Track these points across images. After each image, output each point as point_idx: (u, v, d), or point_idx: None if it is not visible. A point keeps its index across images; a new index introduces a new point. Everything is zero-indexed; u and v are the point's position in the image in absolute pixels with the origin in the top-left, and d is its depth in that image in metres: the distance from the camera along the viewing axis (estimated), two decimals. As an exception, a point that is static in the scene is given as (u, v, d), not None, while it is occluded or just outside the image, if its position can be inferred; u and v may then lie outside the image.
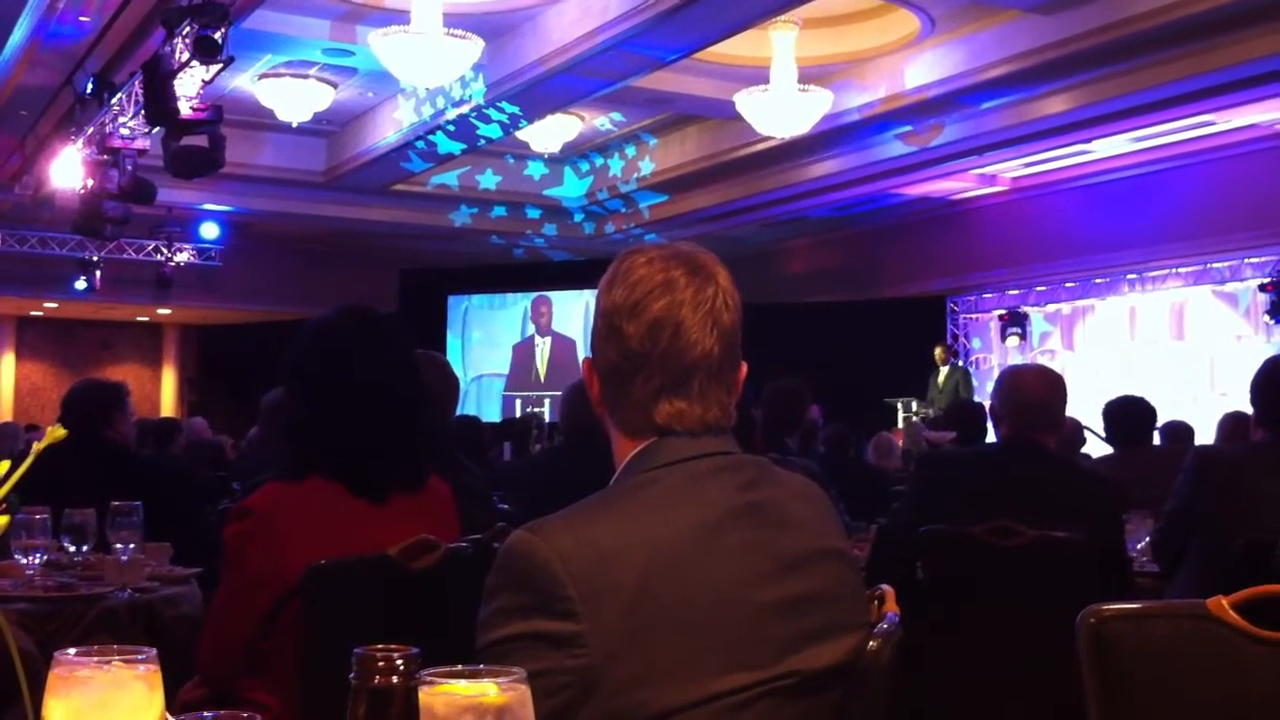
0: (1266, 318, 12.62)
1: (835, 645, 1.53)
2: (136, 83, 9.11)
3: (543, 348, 17.45)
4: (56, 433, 1.16)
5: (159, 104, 8.36)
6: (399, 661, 0.99)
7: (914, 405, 13.16)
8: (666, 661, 1.42)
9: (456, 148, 12.69)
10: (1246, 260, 12.92)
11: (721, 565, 1.48)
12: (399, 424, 2.48)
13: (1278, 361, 3.84)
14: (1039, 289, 14.95)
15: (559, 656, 1.40)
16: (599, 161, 14.98)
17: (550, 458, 5.41)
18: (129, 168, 9.91)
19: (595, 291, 1.64)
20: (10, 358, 19.77)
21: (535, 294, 17.58)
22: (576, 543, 1.44)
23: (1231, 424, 6.42)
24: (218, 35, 7.62)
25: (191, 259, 16.21)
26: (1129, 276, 14.01)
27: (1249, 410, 3.88)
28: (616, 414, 1.61)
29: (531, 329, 17.61)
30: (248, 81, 11.61)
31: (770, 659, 1.47)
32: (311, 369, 2.48)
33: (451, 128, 11.89)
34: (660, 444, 1.56)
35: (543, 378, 17.22)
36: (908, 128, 11.91)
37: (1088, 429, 7.57)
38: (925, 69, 10.65)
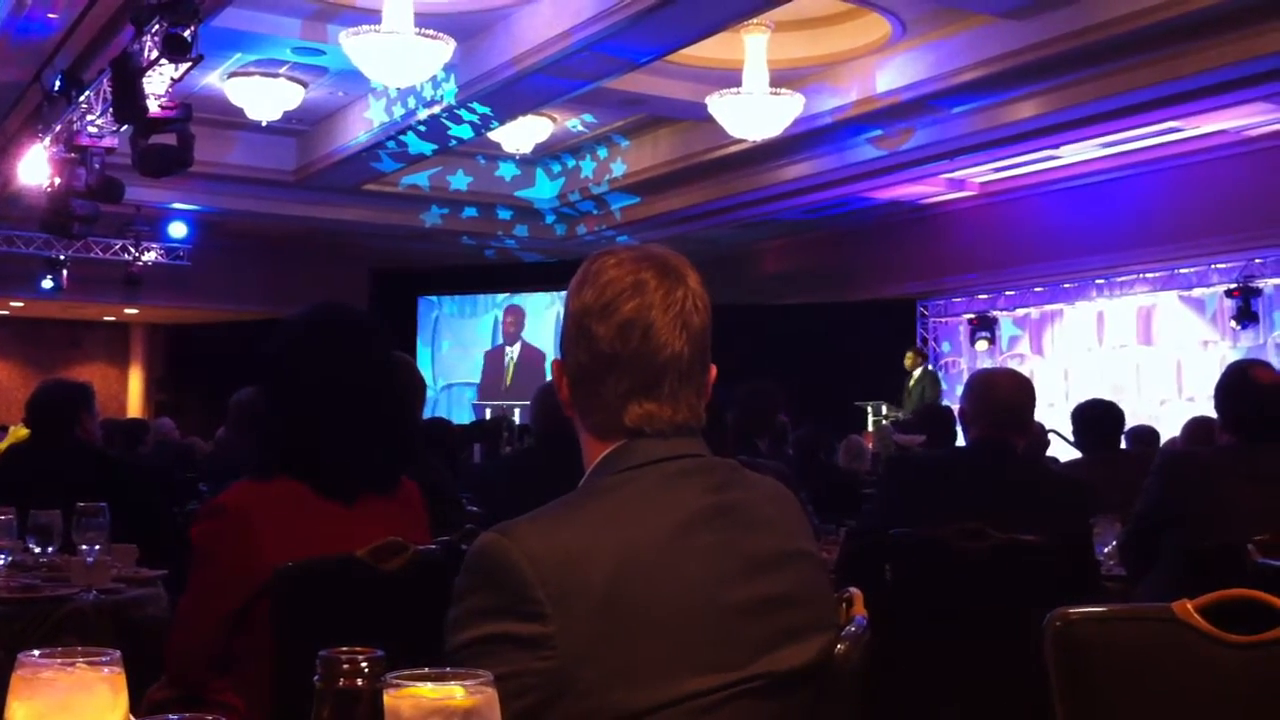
0: (1233, 323, 12.71)
1: (804, 647, 1.53)
2: (105, 80, 9.03)
3: (511, 356, 17.40)
4: (19, 433, 1.15)
5: (128, 102, 8.29)
6: (363, 664, 0.99)
7: (884, 409, 13.19)
8: (637, 663, 1.42)
9: (428, 148, 12.65)
10: (1213, 266, 13.01)
11: (692, 566, 1.48)
12: (373, 425, 2.45)
13: (1241, 367, 3.87)
14: (1008, 293, 15.02)
15: (527, 658, 1.39)
16: (571, 163, 14.95)
17: (520, 459, 5.40)
18: (97, 166, 9.83)
19: (566, 293, 1.64)
20: (-24, 357, 19.59)
21: (506, 300, 17.52)
22: (545, 544, 1.43)
23: (1195, 428, 6.45)
24: (187, 33, 7.56)
25: (160, 258, 16.07)
26: (1097, 281, 14.09)
27: (1215, 415, 3.91)
28: (587, 416, 1.60)
29: (501, 338, 17.58)
30: (217, 80, 11.53)
31: (741, 660, 1.47)
32: (286, 367, 2.45)
33: (423, 128, 11.84)
34: (630, 446, 1.56)
35: (508, 384, 17.15)
36: (879, 131, 11.94)
37: (1053, 431, 7.63)
38: (896, 73, 10.69)
